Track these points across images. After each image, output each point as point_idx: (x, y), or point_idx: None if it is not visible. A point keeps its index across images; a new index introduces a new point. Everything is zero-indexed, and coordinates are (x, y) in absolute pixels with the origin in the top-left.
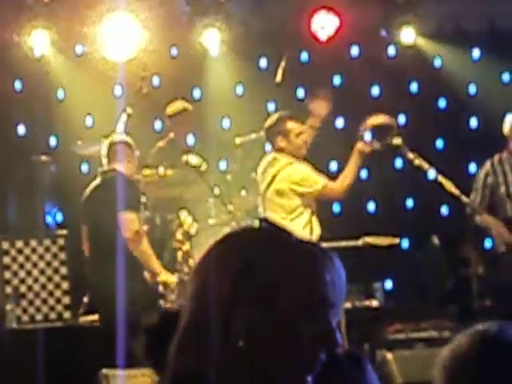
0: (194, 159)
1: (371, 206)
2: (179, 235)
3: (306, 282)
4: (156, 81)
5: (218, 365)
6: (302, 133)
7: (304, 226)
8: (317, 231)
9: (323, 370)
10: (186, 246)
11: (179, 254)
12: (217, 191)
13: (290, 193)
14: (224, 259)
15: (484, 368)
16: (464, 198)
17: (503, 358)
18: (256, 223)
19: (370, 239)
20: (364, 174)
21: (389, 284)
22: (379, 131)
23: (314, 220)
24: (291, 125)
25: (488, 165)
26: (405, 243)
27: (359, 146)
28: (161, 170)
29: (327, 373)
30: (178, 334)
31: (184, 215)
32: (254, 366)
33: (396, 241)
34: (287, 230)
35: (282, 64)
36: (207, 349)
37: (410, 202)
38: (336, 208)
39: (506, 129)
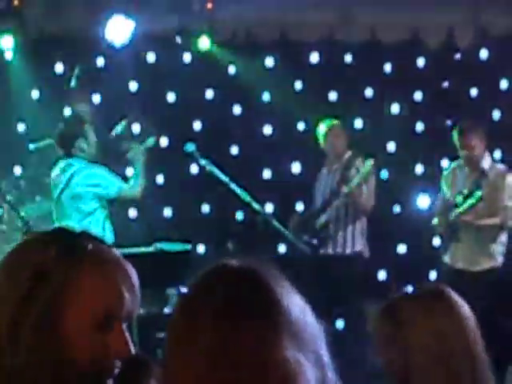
0: None
1: (167, 212)
2: None
3: (95, 294)
4: None
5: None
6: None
7: (98, 231)
8: (110, 236)
9: (120, 376)
10: None
11: None
12: (9, 197)
13: (86, 196)
14: (13, 273)
15: None
16: (254, 205)
17: None
18: (48, 232)
19: (161, 245)
20: (160, 179)
21: (184, 290)
22: None
23: (108, 225)
24: (89, 128)
25: None
26: (201, 249)
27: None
28: None
29: (123, 379)
30: None
31: None
32: (49, 377)
33: (187, 247)
34: (82, 238)
35: (77, 69)
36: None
37: (205, 208)
38: (132, 213)
39: None
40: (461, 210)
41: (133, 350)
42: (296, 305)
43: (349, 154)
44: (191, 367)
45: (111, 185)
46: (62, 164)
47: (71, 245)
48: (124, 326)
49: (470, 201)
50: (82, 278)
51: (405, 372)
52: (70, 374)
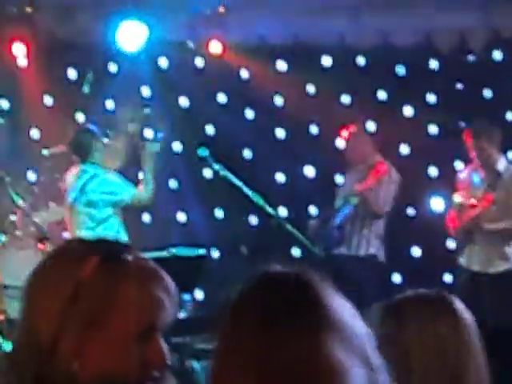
0: None
1: (181, 217)
2: None
3: (138, 306)
4: None
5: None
6: (109, 145)
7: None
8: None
9: None
10: None
11: None
12: (22, 203)
13: (100, 203)
14: (53, 281)
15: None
16: (268, 209)
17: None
18: (87, 241)
19: (175, 250)
20: (174, 184)
21: (199, 294)
22: None
23: (122, 231)
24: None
25: None
26: (214, 253)
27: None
28: None
29: None
30: (11, 353)
31: None
32: None
33: (201, 252)
34: (122, 249)
35: (89, 75)
36: (32, 366)
37: (219, 212)
38: (145, 218)
39: None
40: (474, 213)
41: (169, 361)
42: (345, 309)
43: (376, 158)
44: (241, 374)
45: (125, 191)
46: (74, 170)
47: (113, 256)
48: (162, 339)
49: (483, 204)
50: (126, 290)
51: (405, 374)
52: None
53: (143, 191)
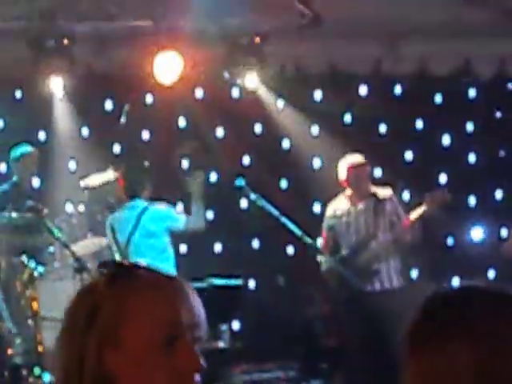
0: (32, 204)
1: (218, 247)
2: (23, 279)
3: (151, 315)
4: (0, 124)
5: None
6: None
7: (170, 267)
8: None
9: None
10: (30, 290)
11: (23, 297)
12: (60, 234)
13: (159, 232)
14: (73, 311)
15: None
16: (307, 239)
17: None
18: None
19: (214, 280)
20: (210, 214)
21: (236, 325)
22: None
23: (173, 261)
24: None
25: (331, 207)
26: (251, 284)
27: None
28: (6, 213)
29: None
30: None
31: (25, 259)
32: None
33: (239, 282)
34: (129, 264)
35: (126, 107)
36: None
37: (255, 243)
38: (183, 248)
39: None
40: None
41: (204, 363)
42: None
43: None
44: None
45: (178, 217)
46: (124, 206)
47: (122, 271)
48: (191, 343)
49: None
50: (138, 301)
51: None
52: None
53: (196, 218)
